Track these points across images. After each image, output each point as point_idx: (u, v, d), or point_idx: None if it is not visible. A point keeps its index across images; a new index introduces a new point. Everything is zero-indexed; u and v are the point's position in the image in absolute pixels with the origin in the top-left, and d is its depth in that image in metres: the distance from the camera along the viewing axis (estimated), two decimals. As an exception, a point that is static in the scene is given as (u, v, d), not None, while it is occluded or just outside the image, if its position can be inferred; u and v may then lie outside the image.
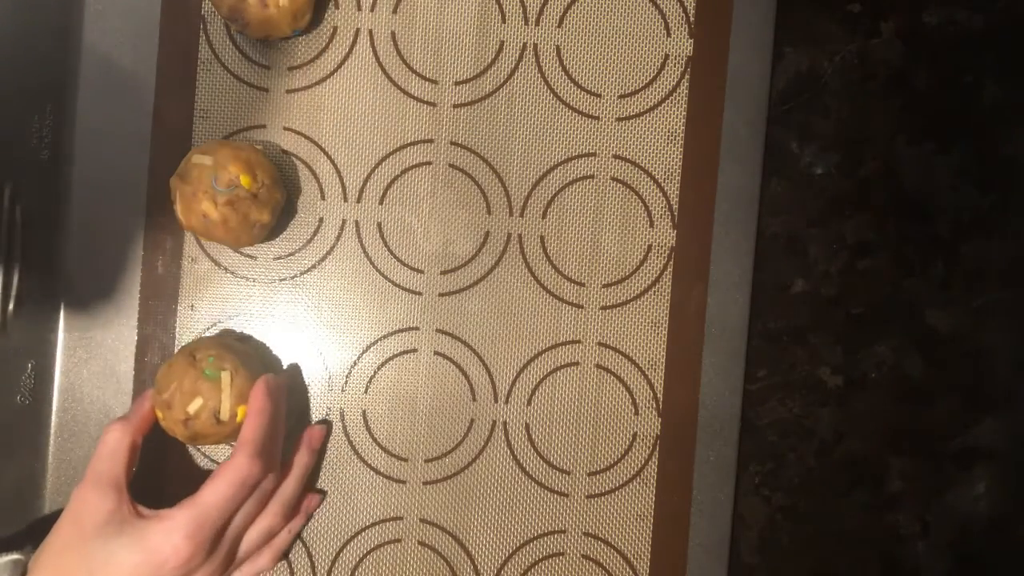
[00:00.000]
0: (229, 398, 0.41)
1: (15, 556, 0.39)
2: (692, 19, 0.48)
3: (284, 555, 0.45)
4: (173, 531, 0.37)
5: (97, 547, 0.37)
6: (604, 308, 0.48)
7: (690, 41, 0.48)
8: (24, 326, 0.45)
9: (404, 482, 0.47)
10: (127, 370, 0.47)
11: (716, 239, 0.48)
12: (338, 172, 0.47)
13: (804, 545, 0.49)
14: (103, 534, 0.37)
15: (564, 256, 0.48)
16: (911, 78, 0.49)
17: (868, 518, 0.49)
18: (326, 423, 0.47)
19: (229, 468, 0.39)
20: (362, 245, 0.47)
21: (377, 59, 0.47)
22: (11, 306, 0.45)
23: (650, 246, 0.48)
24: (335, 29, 0.47)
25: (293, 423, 0.47)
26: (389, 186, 0.47)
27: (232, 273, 0.47)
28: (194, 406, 0.41)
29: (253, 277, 0.47)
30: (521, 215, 0.48)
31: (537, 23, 0.47)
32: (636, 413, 0.48)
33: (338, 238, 0.47)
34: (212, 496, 0.38)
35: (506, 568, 0.47)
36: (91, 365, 0.47)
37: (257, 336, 0.47)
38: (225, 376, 0.41)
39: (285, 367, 0.47)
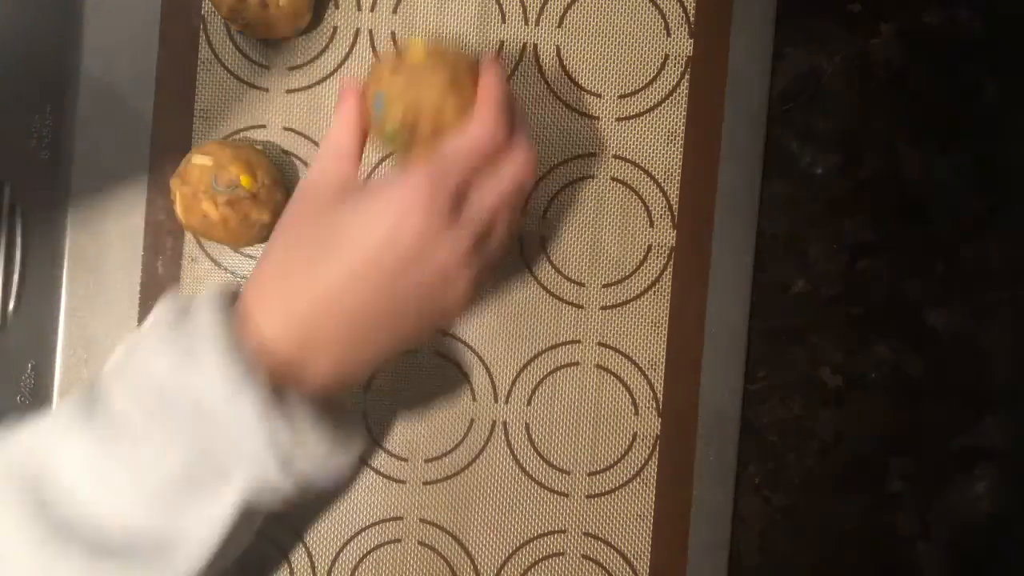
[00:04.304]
0: None
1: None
2: (692, 19, 0.48)
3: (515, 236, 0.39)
4: (411, 177, 0.33)
5: (335, 208, 0.34)
6: (604, 308, 0.48)
7: (690, 41, 0.48)
8: (24, 326, 0.45)
9: (404, 482, 0.47)
10: (127, 370, 0.47)
11: (716, 239, 0.48)
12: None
13: (804, 545, 0.49)
14: (340, 197, 0.35)
15: (564, 256, 0.48)
16: (911, 78, 0.49)
17: (868, 518, 0.49)
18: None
19: (471, 128, 0.35)
20: (362, 245, 0.47)
21: (377, 58, 0.47)
22: (11, 306, 0.45)
23: (650, 246, 0.48)
24: (335, 29, 0.47)
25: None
26: (389, 186, 0.47)
27: (232, 273, 0.47)
28: None
29: (253, 277, 0.47)
30: (521, 215, 0.48)
31: (537, 23, 0.47)
32: (636, 413, 0.48)
33: (338, 238, 0.47)
34: (451, 150, 0.35)
35: (506, 568, 0.47)
36: (91, 365, 0.47)
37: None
38: None
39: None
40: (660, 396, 0.48)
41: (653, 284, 0.48)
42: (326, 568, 0.47)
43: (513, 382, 0.48)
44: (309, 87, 0.47)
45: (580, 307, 0.48)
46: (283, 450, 0.33)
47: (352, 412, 0.35)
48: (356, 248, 0.33)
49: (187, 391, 0.32)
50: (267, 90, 0.47)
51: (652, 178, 0.48)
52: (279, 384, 0.33)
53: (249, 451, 0.33)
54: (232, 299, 0.35)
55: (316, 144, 0.47)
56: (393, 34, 0.47)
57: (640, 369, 0.48)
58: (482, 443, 0.47)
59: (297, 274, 0.34)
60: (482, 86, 0.36)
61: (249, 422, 0.32)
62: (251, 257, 0.47)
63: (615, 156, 0.48)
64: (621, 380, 0.48)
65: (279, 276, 0.35)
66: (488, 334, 0.47)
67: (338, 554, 0.47)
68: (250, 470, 0.33)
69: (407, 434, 0.47)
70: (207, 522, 0.33)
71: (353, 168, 0.37)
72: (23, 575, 0.32)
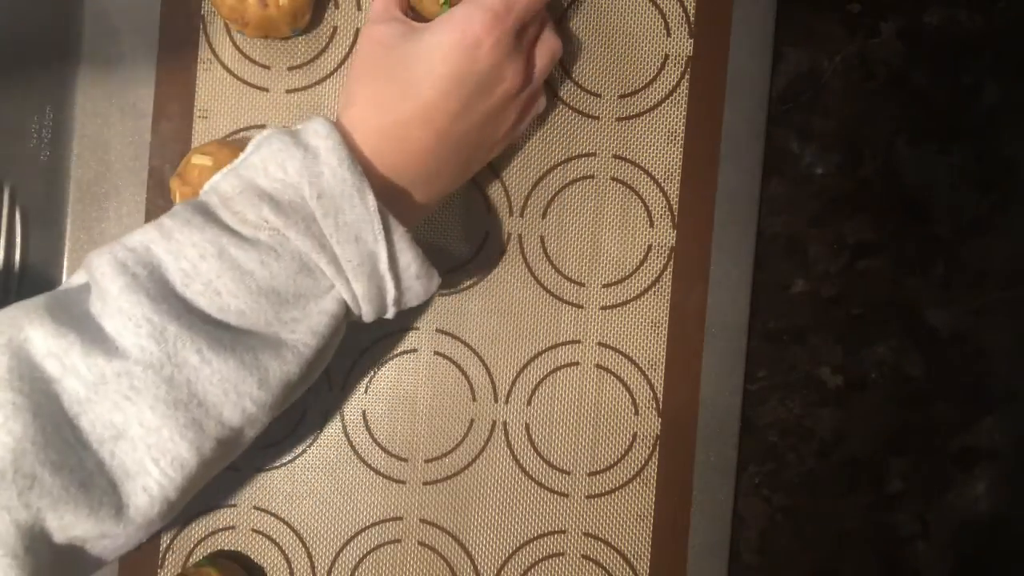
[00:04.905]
0: None
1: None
2: (692, 19, 0.48)
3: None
4: (476, 9, 0.37)
5: (406, 47, 0.38)
6: (604, 308, 0.48)
7: (690, 41, 0.48)
8: (24, 326, 0.45)
9: (404, 482, 0.47)
10: (127, 370, 0.47)
11: (716, 239, 0.48)
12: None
13: (804, 545, 0.49)
14: (407, 37, 0.38)
15: (564, 256, 0.48)
16: (911, 78, 0.49)
17: (868, 518, 0.49)
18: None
19: None
20: (362, 245, 0.47)
21: (377, 59, 0.47)
22: (11, 306, 0.45)
23: (650, 246, 0.48)
24: (335, 29, 0.47)
25: (298, 419, 0.47)
26: (389, 186, 0.47)
27: (232, 273, 0.47)
28: None
29: (253, 277, 0.47)
30: (521, 215, 0.48)
31: (537, 23, 0.47)
32: (636, 413, 0.48)
33: (338, 238, 0.47)
34: None
35: (506, 568, 0.47)
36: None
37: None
38: None
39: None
40: (660, 396, 0.48)
41: (653, 284, 0.48)
42: (326, 568, 0.47)
43: (513, 382, 0.48)
44: (309, 87, 0.47)
45: (580, 307, 0.48)
46: (394, 248, 0.36)
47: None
48: (441, 70, 0.37)
49: (309, 188, 0.34)
50: (267, 90, 0.47)
51: (652, 178, 0.48)
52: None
53: (366, 248, 0.35)
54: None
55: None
56: (393, 34, 0.47)
57: (640, 369, 0.48)
58: (482, 443, 0.47)
59: (387, 100, 0.37)
60: None
61: (370, 213, 0.35)
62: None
63: (615, 156, 0.48)
64: (621, 380, 0.48)
65: (370, 104, 0.38)
66: (488, 334, 0.47)
67: (338, 554, 0.47)
68: (360, 269, 0.35)
69: (407, 434, 0.47)
70: (310, 326, 0.36)
71: (406, 21, 0.40)
72: (148, 361, 0.32)
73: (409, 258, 0.37)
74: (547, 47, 0.41)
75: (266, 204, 0.34)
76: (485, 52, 0.37)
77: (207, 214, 0.35)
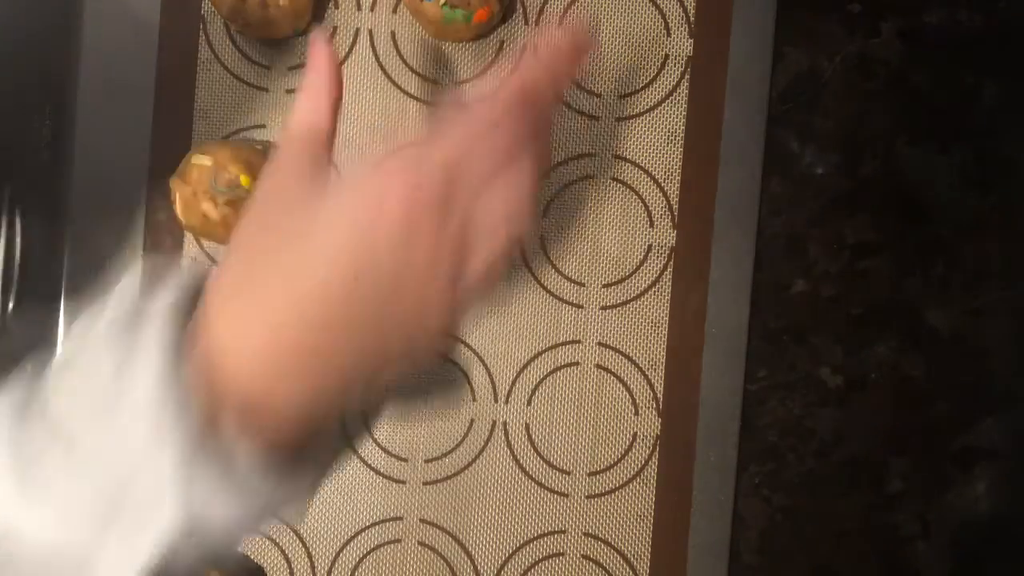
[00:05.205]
0: None
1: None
2: (692, 19, 0.48)
3: (521, 238, 0.31)
4: (391, 162, 0.28)
5: (304, 204, 0.29)
6: (604, 308, 0.48)
7: (690, 41, 0.48)
8: (24, 326, 0.45)
9: (404, 482, 0.47)
10: (127, 370, 0.47)
11: (716, 239, 0.48)
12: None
13: (804, 545, 0.49)
14: (311, 189, 0.29)
15: (564, 256, 0.48)
16: (911, 78, 0.49)
17: (868, 518, 0.49)
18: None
19: (472, 107, 0.29)
20: (362, 245, 0.47)
21: (377, 59, 0.47)
22: (11, 306, 0.45)
23: (650, 246, 0.48)
24: (335, 29, 0.47)
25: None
26: (389, 186, 0.47)
27: (232, 273, 0.47)
28: None
29: (253, 277, 0.47)
30: (523, 226, 0.48)
31: (536, 23, 0.47)
32: (636, 413, 0.48)
33: (338, 238, 0.47)
34: (445, 128, 0.29)
35: (506, 568, 0.47)
36: (91, 365, 0.47)
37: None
38: None
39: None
40: (660, 396, 0.48)
41: (653, 284, 0.48)
42: (326, 568, 0.47)
43: (513, 382, 0.48)
44: (309, 87, 0.47)
45: (580, 307, 0.48)
46: (195, 510, 0.26)
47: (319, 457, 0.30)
48: (328, 251, 0.28)
49: (116, 415, 0.26)
50: (267, 90, 0.47)
51: (652, 178, 0.48)
52: (218, 416, 0.26)
53: (167, 510, 0.26)
54: (197, 296, 0.29)
55: (316, 144, 0.47)
56: (393, 34, 0.47)
57: (640, 369, 0.48)
58: (482, 443, 0.47)
59: (265, 279, 0.28)
60: (518, 70, 0.31)
61: (165, 478, 0.26)
62: (251, 257, 0.47)
63: (615, 156, 0.48)
64: (621, 380, 0.48)
65: (245, 281, 0.29)
66: (488, 334, 0.47)
67: (338, 554, 0.47)
68: (163, 523, 0.26)
69: (407, 434, 0.47)
70: (125, 562, 0.26)
71: (326, 149, 0.32)
72: None
73: (250, 485, 0.26)
74: (501, 232, 0.29)
75: (87, 408, 0.26)
76: (392, 219, 0.27)
77: (21, 417, 0.27)
